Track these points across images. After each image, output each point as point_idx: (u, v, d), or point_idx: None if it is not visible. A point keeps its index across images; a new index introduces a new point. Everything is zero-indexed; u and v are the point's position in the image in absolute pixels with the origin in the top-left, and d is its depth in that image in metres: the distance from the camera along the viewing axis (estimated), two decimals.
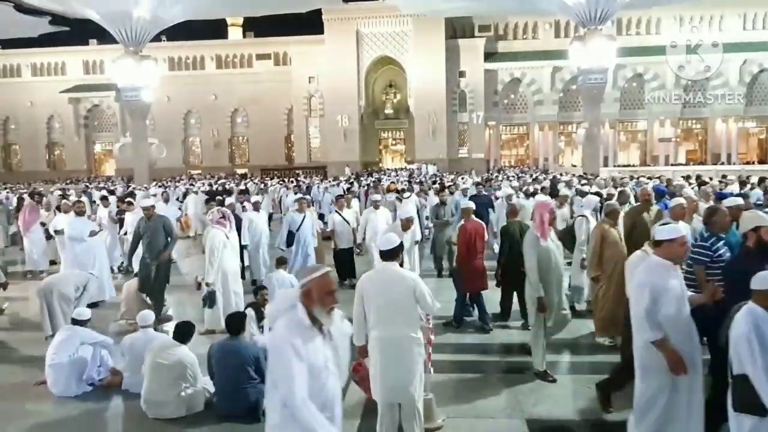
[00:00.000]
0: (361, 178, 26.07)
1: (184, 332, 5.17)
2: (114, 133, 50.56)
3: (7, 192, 23.64)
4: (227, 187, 22.86)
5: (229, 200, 11.32)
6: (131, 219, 10.17)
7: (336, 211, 10.06)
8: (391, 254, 3.92)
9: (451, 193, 13.17)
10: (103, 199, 12.96)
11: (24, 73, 52.49)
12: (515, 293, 7.10)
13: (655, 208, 7.16)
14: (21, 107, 51.80)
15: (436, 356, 4.85)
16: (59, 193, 20.51)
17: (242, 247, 8.99)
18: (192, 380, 4.93)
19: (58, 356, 5.30)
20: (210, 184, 26.01)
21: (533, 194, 11.74)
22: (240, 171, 47.41)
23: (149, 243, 7.68)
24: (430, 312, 4.09)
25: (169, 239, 7.76)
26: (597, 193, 10.13)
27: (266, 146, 50.15)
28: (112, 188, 23.52)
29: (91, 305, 7.15)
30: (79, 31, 37.88)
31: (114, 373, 5.50)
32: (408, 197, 12.65)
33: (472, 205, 7.64)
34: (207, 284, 6.91)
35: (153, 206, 8.14)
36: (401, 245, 4.06)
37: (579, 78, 28.86)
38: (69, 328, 5.64)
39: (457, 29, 45.78)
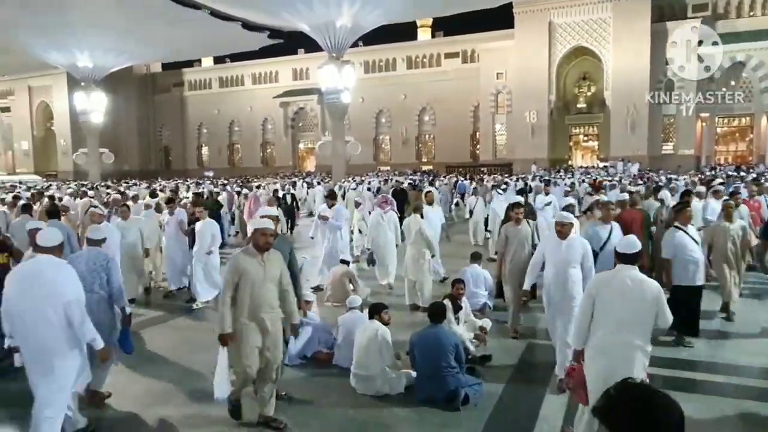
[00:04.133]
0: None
1: (372, 311, 5.55)
2: (315, 132, 55.70)
3: (231, 184, 27.48)
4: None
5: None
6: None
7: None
8: (632, 258, 3.70)
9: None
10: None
11: (246, 82, 60.56)
12: None
13: None
14: (243, 112, 59.90)
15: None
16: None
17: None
18: (390, 360, 5.22)
19: None
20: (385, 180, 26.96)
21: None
22: (425, 168, 48.77)
23: None
24: (666, 325, 3.74)
25: None
26: None
27: (452, 144, 50.83)
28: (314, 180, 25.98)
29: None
30: (290, 43, 42.54)
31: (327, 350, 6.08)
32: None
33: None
34: (367, 249, 9.82)
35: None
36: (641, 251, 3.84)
37: None
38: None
39: (666, 11, 41.15)
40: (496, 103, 47.53)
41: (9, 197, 14.62)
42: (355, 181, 26.88)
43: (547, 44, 43.22)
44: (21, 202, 10.60)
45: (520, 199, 8.43)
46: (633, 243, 3.76)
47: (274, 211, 4.47)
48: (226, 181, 31.02)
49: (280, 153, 59.75)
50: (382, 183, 24.40)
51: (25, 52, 36.94)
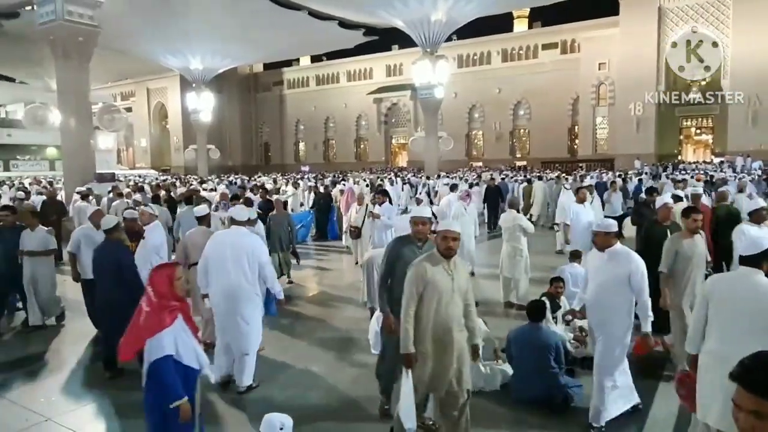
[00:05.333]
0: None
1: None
2: (408, 128, 56.03)
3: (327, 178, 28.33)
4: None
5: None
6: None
7: None
8: (756, 260, 3.33)
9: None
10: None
11: (341, 79, 62.14)
12: None
13: None
14: (338, 108, 61.54)
15: None
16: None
17: None
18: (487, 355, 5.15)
19: None
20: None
21: None
22: (519, 164, 47.49)
23: None
24: None
25: None
26: None
27: (548, 138, 48.98)
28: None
29: None
30: (384, 39, 42.96)
31: None
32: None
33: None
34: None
35: None
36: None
37: None
38: None
39: None
40: (597, 95, 45.22)
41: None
42: (449, 176, 26.75)
43: (656, 30, 40.45)
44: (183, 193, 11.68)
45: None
46: (757, 243, 3.39)
47: (428, 212, 4.12)
48: (322, 176, 32.04)
49: (373, 148, 60.73)
50: (474, 180, 24.16)
51: (146, 57, 40.37)
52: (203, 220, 6.54)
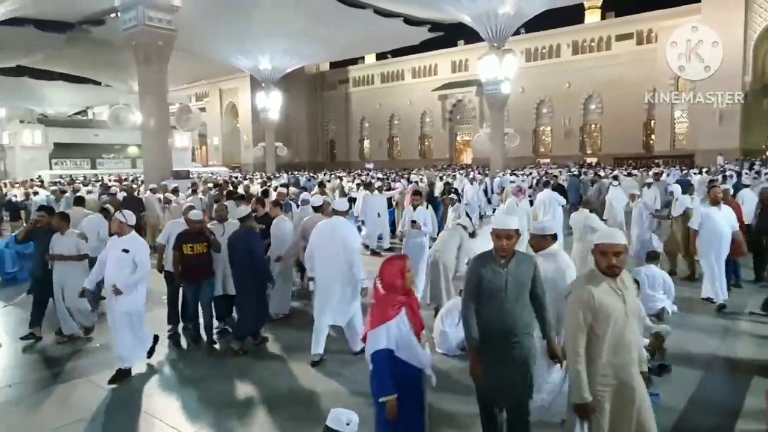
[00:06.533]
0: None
1: None
2: (473, 125, 55.30)
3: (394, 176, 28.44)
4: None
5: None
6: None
7: None
8: None
9: None
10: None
11: (406, 76, 62.18)
12: None
13: None
14: (402, 105, 61.63)
15: None
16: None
17: None
18: None
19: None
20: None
21: None
22: (590, 160, 45.75)
23: None
24: None
25: None
26: None
27: (621, 133, 46.84)
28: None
29: None
30: (449, 35, 42.48)
31: None
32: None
33: None
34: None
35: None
36: None
37: None
38: None
39: None
40: (677, 88, 42.76)
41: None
42: (516, 174, 26.17)
43: (743, 19, 37.74)
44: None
45: None
46: None
47: (514, 222, 3.50)
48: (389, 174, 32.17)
49: (438, 145, 60.39)
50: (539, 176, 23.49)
51: (218, 59, 42.09)
52: (320, 209, 7.30)
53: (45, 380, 5.04)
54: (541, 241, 4.31)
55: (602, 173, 20.66)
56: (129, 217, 5.51)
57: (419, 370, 3.29)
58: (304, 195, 9.47)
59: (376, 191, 13.21)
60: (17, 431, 4.52)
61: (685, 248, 8.80)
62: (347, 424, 2.91)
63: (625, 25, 47.12)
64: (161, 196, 13.89)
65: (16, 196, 17.72)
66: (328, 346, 5.85)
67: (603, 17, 50.44)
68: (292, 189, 15.02)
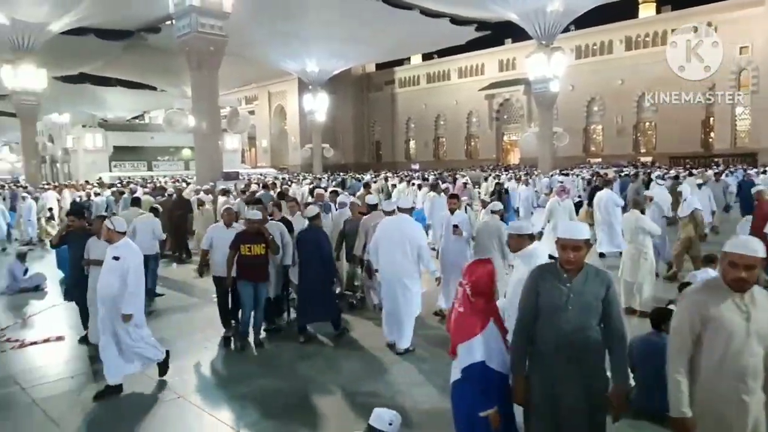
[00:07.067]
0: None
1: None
2: (520, 124, 54.39)
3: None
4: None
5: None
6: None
7: None
8: None
9: None
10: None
11: (452, 76, 61.79)
12: None
13: None
14: (448, 106, 61.27)
15: None
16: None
17: None
18: None
19: None
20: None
21: None
22: (644, 159, 44.16)
23: None
24: None
25: None
26: None
27: (677, 131, 44.87)
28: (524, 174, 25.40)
29: None
30: (496, 34, 42.01)
31: None
32: None
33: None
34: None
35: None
36: None
37: None
38: None
39: None
40: (738, 83, 40.76)
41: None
42: (566, 173, 25.59)
43: None
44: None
45: None
46: None
47: (585, 231, 2.99)
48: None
49: (484, 146, 59.72)
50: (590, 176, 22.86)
51: (268, 63, 43.09)
52: (375, 207, 7.60)
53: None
54: (519, 241, 4.24)
55: (658, 172, 19.78)
56: (118, 224, 5.11)
57: (506, 377, 3.15)
58: (342, 197, 9.42)
59: (442, 193, 12.53)
60: (82, 419, 4.75)
61: (688, 249, 8.74)
62: (390, 424, 2.92)
63: (680, 19, 44.91)
64: (195, 198, 13.82)
65: (80, 197, 18.49)
66: (375, 344, 5.93)
67: (658, 11, 48.59)
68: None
